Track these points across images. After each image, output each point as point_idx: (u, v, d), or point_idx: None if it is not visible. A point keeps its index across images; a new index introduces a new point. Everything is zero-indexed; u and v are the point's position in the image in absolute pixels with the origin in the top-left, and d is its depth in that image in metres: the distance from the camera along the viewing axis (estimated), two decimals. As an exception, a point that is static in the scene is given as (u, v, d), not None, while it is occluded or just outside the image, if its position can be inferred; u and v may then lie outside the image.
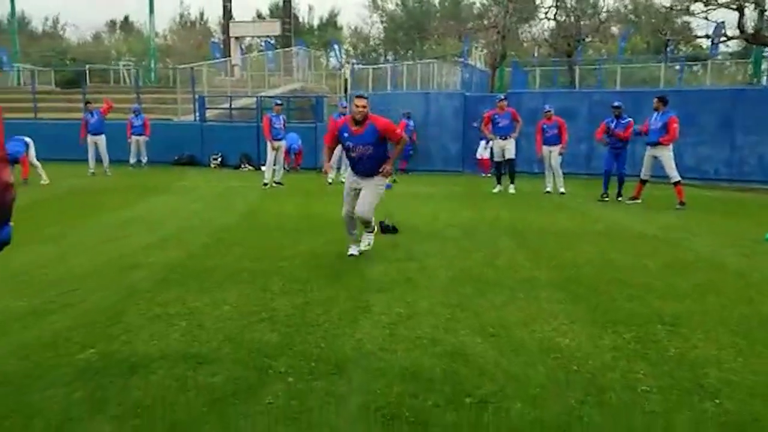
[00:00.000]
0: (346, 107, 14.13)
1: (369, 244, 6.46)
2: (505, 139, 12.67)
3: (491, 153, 13.93)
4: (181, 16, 54.22)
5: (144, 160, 17.55)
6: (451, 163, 17.58)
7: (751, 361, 3.69)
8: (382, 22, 55.27)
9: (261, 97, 19.78)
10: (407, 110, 17.11)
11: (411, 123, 16.93)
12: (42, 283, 5.24)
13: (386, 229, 7.68)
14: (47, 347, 3.75)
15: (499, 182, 12.98)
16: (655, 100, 10.63)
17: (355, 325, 4.24)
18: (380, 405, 3.03)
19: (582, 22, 27.96)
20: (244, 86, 24.96)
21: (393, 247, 6.89)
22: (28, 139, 13.17)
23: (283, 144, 13.16)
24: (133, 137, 17.54)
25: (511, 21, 30.38)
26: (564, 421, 2.92)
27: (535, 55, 27.71)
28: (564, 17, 27.86)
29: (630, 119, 11.24)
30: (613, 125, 11.22)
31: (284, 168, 16.96)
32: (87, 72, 31.26)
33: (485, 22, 31.02)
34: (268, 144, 12.98)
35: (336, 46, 37.80)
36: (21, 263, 5.76)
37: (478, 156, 17.13)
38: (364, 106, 6.05)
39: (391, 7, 51.78)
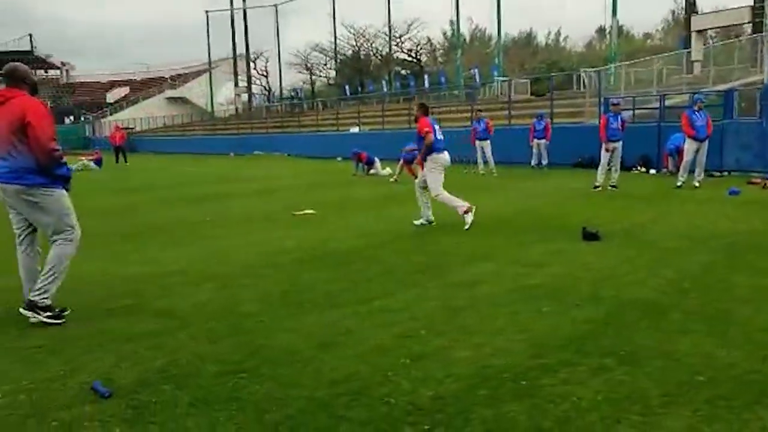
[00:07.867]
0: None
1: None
2: None
3: None
4: (674, 13, 52.07)
5: (544, 162, 18.63)
6: None
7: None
8: None
9: (664, 95, 18.65)
10: None
11: None
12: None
13: (588, 235, 7.36)
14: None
15: None
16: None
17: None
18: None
19: None
20: (698, 82, 23.20)
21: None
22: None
23: (618, 146, 12.62)
24: (535, 141, 18.80)
25: None
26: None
27: None
28: None
29: None
30: None
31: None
32: (551, 80, 33.74)
33: None
34: (603, 145, 12.68)
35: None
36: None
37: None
38: None
39: None
